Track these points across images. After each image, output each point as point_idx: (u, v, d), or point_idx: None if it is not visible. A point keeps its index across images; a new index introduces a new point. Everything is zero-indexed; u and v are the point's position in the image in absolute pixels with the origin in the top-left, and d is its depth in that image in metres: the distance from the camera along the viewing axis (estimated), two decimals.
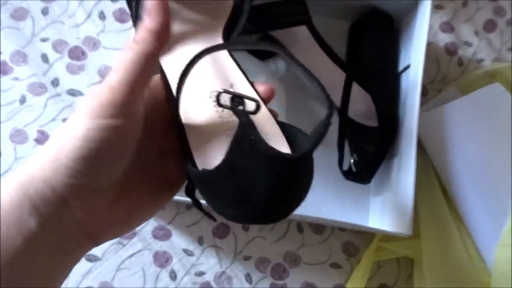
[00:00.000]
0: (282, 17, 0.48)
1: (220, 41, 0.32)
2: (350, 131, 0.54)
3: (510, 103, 0.54)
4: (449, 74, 0.58)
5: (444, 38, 0.59)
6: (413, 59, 0.50)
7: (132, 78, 0.23)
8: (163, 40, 0.25)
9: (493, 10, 0.61)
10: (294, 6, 0.49)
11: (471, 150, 0.52)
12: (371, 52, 0.55)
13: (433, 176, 0.52)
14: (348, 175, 0.52)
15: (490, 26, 0.60)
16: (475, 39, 0.60)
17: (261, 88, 0.30)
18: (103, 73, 0.53)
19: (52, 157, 0.23)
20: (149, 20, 0.25)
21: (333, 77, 0.53)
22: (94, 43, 0.54)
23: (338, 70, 0.52)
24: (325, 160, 0.54)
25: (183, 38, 0.32)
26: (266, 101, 0.29)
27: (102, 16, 0.55)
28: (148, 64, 0.24)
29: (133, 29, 0.47)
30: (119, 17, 0.55)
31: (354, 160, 0.51)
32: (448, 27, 0.60)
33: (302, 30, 0.50)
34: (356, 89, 0.52)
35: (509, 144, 0.53)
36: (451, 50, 0.59)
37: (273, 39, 0.50)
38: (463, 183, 0.52)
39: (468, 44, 0.60)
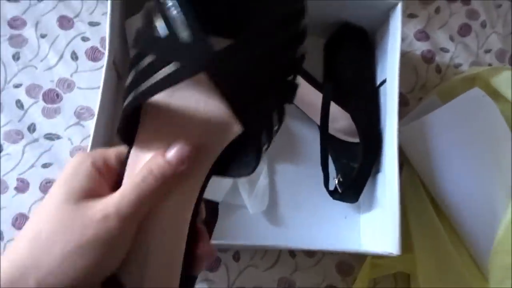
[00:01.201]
0: None
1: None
2: (333, 149, 0.54)
3: (491, 107, 0.53)
4: (428, 82, 0.58)
5: (420, 46, 0.59)
6: (389, 73, 0.50)
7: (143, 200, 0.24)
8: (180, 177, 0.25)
9: (467, 14, 0.61)
10: None
11: (456, 158, 0.52)
12: (348, 68, 0.55)
13: (420, 188, 0.52)
14: (335, 194, 0.52)
15: (465, 30, 0.60)
16: (451, 44, 0.60)
17: (204, 248, 0.27)
18: (79, 114, 0.53)
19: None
20: (179, 165, 0.25)
21: (311, 98, 0.52)
22: (68, 85, 0.53)
23: (316, 91, 0.51)
24: (312, 181, 0.54)
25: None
26: (202, 262, 0.27)
27: (74, 56, 0.54)
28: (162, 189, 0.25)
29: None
30: (92, 56, 0.54)
31: (339, 181, 0.50)
32: (423, 35, 0.60)
33: None
34: (335, 107, 0.51)
35: (493, 148, 0.53)
36: (428, 58, 0.59)
37: None
38: (451, 192, 0.51)
39: (444, 50, 0.59)
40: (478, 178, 0.51)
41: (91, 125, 0.52)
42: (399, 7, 0.49)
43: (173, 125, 0.25)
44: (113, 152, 0.27)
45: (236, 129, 0.25)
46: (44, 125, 0.52)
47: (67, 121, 0.52)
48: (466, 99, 0.53)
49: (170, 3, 0.22)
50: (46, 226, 0.23)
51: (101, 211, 0.23)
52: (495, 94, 0.55)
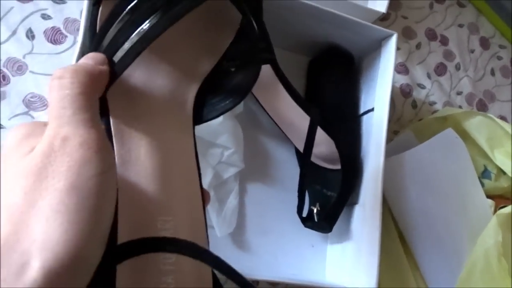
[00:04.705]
0: None
1: (187, 112, 0.27)
2: (311, 174, 0.51)
3: (462, 150, 0.54)
4: (404, 115, 0.58)
5: (400, 79, 0.59)
6: (378, 105, 0.48)
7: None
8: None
9: (444, 54, 0.62)
10: (259, 43, 0.45)
11: (427, 197, 0.52)
12: (333, 91, 0.53)
13: (392, 225, 0.51)
14: (307, 222, 0.49)
15: (441, 69, 0.61)
16: (427, 81, 0.60)
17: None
18: (29, 103, 0.45)
19: None
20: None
21: (294, 118, 0.49)
22: (19, 67, 0.45)
23: (301, 111, 0.48)
24: (282, 205, 0.51)
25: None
26: None
27: (30, 34, 0.46)
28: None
29: (67, 52, 0.40)
30: (52, 38, 0.47)
31: (317, 210, 0.48)
32: (403, 69, 0.60)
33: (265, 68, 0.46)
34: (319, 131, 0.49)
35: (461, 190, 0.54)
36: (406, 92, 0.59)
37: None
38: (419, 230, 0.51)
39: (421, 86, 0.60)
40: (445, 219, 0.52)
41: (43, 116, 0.45)
42: (393, 38, 0.48)
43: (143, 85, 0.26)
44: None
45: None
46: None
47: (12, 109, 0.44)
48: (440, 139, 0.54)
49: None
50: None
51: (55, 136, 0.19)
52: (464, 135, 0.56)
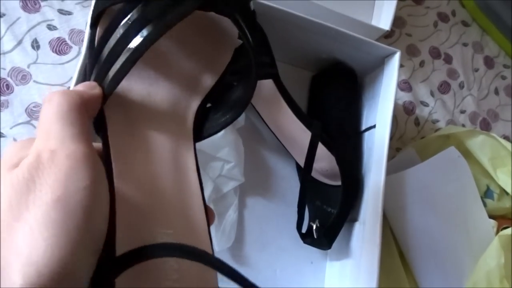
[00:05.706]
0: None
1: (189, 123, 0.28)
2: (312, 189, 0.51)
3: (464, 169, 0.54)
4: (406, 133, 0.58)
5: (403, 97, 0.59)
6: (379, 121, 0.48)
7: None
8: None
9: (447, 72, 0.62)
10: (262, 58, 0.45)
11: (429, 215, 0.51)
12: (335, 107, 0.53)
13: (392, 242, 0.51)
14: (307, 239, 0.49)
15: (444, 87, 0.61)
16: (430, 99, 0.60)
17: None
18: (32, 112, 0.45)
19: None
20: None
21: (296, 132, 0.49)
22: (23, 76, 0.46)
23: (302, 126, 0.48)
24: (282, 220, 0.51)
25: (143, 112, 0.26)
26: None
27: (35, 44, 0.47)
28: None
29: (71, 62, 0.41)
30: (57, 48, 0.47)
31: (316, 227, 0.48)
32: (406, 86, 0.60)
33: (267, 82, 0.46)
34: (320, 146, 0.49)
35: (463, 209, 0.53)
36: (409, 110, 0.59)
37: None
38: (421, 251, 0.51)
39: (424, 104, 0.60)
40: (447, 239, 0.51)
41: None
42: (397, 56, 0.48)
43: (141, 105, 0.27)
44: None
45: (209, 81, 0.29)
46: None
47: (15, 118, 0.44)
48: (442, 158, 0.53)
49: None
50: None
51: (43, 149, 0.19)
52: (466, 153, 0.56)
